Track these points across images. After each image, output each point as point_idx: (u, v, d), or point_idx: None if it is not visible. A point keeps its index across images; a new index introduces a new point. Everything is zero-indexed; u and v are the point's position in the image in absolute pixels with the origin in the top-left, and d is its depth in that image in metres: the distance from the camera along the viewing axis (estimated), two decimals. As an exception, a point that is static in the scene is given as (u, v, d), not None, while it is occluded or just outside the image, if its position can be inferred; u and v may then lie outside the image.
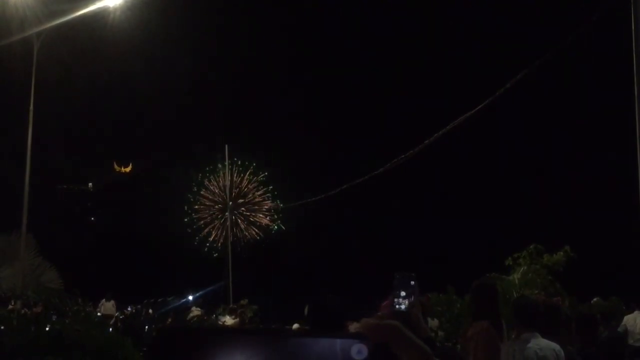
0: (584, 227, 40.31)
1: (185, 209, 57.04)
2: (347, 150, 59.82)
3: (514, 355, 6.27)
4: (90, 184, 75.29)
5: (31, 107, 25.90)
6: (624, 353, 10.64)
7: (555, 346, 6.29)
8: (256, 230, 56.12)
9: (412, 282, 3.83)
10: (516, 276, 13.72)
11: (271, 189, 57.27)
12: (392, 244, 50.88)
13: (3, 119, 44.61)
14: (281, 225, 56.54)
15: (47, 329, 6.84)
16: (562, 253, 14.39)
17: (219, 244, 53.34)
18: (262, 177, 57.58)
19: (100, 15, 26.78)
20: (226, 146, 45.09)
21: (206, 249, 55.28)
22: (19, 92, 29.18)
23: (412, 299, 3.81)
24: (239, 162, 56.44)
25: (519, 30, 53.65)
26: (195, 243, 55.75)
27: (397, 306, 3.81)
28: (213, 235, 54.95)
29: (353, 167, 40.88)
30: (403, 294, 3.80)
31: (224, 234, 51.18)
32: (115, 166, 77.32)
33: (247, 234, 55.56)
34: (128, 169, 77.53)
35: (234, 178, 55.74)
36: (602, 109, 48.79)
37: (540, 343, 6.26)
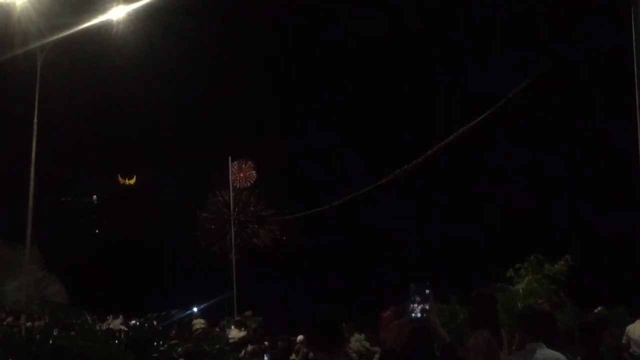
0: (586, 236, 40.26)
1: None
2: (352, 160, 59.88)
3: (519, 365, 6.27)
4: (95, 196, 75.37)
5: (35, 120, 25.94)
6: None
7: (560, 356, 6.29)
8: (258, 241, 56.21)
9: (427, 291, 3.92)
10: (520, 286, 13.73)
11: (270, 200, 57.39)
12: (395, 255, 50.86)
13: (7, 132, 44.78)
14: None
15: (50, 342, 6.85)
16: (562, 262, 14.37)
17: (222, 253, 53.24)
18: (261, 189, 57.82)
19: (104, 29, 26.79)
20: (229, 158, 45.08)
21: (212, 252, 55.21)
22: (23, 105, 29.30)
23: (427, 307, 3.88)
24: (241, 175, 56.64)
25: (518, 39, 53.75)
26: (200, 247, 55.63)
27: (412, 314, 3.88)
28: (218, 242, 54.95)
29: (357, 177, 40.89)
30: (418, 300, 3.88)
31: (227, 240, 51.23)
32: (120, 178, 77.44)
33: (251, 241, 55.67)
34: (132, 181, 77.64)
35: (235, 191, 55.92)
36: (603, 117, 48.80)
37: (545, 353, 6.26)
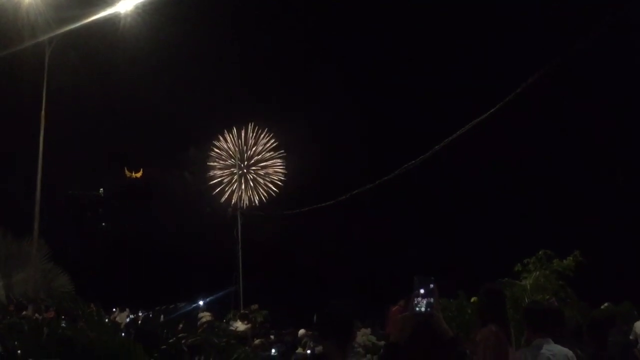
0: (595, 232, 40.17)
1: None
2: (359, 154, 59.78)
3: (526, 360, 6.26)
4: (102, 189, 75.49)
5: (42, 113, 25.99)
6: (633, 358, 10.62)
7: (568, 352, 6.28)
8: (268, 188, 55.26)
9: (432, 285, 3.90)
10: (528, 281, 13.69)
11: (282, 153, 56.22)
12: (403, 250, 50.83)
13: (15, 125, 44.87)
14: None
15: (59, 332, 6.86)
16: (571, 258, 14.30)
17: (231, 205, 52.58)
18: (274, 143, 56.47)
19: (111, 22, 26.88)
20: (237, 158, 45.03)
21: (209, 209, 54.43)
22: (31, 97, 29.36)
23: (432, 300, 3.87)
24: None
25: (527, 35, 53.54)
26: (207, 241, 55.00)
27: (416, 308, 3.87)
28: (227, 194, 54.42)
29: (364, 172, 40.88)
30: (423, 294, 3.87)
31: (239, 192, 50.77)
32: (126, 172, 77.55)
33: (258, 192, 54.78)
34: (139, 175, 77.72)
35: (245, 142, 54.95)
36: (612, 114, 48.67)
37: (553, 348, 6.25)
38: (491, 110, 16.58)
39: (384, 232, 55.82)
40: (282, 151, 56.94)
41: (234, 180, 54.42)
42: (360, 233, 56.58)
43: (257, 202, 55.43)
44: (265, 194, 55.94)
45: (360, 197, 31.00)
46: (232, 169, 55.02)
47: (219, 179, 56.12)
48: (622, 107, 45.50)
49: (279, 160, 57.13)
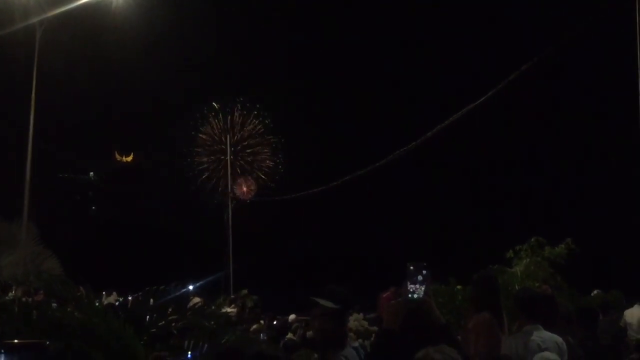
0: (587, 220, 40.33)
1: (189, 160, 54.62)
2: (350, 141, 59.73)
3: (516, 347, 6.26)
4: (92, 173, 75.26)
5: (33, 95, 25.87)
6: (625, 346, 10.65)
7: (558, 338, 6.29)
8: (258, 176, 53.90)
9: (425, 271, 3.92)
10: (519, 269, 13.72)
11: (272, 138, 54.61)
12: (394, 236, 50.92)
13: (5, 107, 44.64)
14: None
15: (48, 314, 6.83)
16: (563, 246, 14.35)
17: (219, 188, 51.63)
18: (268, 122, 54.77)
19: (103, 3, 26.78)
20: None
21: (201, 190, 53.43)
22: (21, 79, 29.19)
23: (424, 287, 3.88)
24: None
25: (522, 23, 53.57)
26: (195, 189, 53.69)
27: (409, 295, 3.89)
28: (214, 180, 53.42)
29: (356, 158, 40.83)
30: (415, 281, 3.88)
31: (225, 176, 49.93)
32: (117, 155, 77.31)
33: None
34: (129, 158, 77.51)
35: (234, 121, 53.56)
36: (607, 100, 48.81)
37: (543, 335, 6.25)
38: (486, 95, 16.59)
39: (375, 218, 55.90)
40: (272, 136, 55.06)
41: (220, 167, 52.99)
42: (352, 218, 56.59)
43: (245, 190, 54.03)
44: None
45: (352, 182, 31.01)
46: (218, 156, 53.53)
47: (205, 166, 54.61)
48: (614, 96, 45.58)
49: (268, 149, 55.37)
